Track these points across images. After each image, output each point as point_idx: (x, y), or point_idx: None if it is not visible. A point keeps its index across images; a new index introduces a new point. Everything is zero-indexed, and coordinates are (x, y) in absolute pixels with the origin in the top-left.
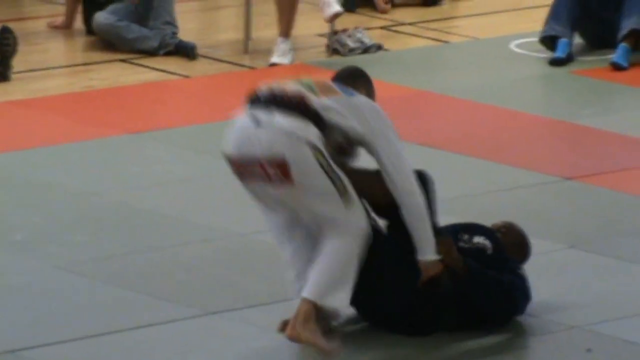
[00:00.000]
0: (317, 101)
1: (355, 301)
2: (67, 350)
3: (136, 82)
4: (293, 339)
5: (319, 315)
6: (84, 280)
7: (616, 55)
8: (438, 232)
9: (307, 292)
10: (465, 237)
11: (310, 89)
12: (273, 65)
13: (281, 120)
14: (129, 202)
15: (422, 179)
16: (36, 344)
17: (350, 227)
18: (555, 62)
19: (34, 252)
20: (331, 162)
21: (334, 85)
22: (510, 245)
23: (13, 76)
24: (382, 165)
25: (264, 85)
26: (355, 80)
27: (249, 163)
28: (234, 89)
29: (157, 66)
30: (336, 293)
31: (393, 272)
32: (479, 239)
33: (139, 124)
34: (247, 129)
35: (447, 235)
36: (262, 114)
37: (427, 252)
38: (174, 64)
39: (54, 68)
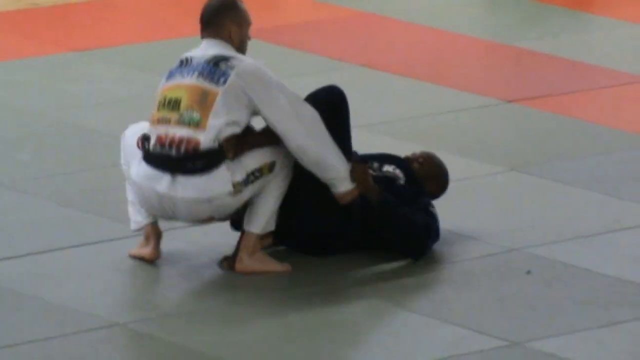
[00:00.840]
0: (207, 136)
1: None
2: (6, 266)
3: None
4: (243, 271)
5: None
6: (26, 197)
7: None
8: (351, 157)
9: (255, 227)
10: (375, 165)
11: (194, 121)
12: None
13: (188, 190)
14: (73, 120)
15: (335, 98)
16: None
17: (281, 174)
18: None
19: None
20: (246, 176)
21: (206, 84)
22: (427, 176)
23: None
24: (273, 129)
25: (156, 140)
26: (217, 19)
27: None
28: (178, 8)
29: None
30: (273, 220)
31: (305, 196)
32: (388, 168)
33: (84, 42)
34: (159, 198)
35: (362, 162)
36: (165, 180)
37: (340, 185)
38: None
39: None
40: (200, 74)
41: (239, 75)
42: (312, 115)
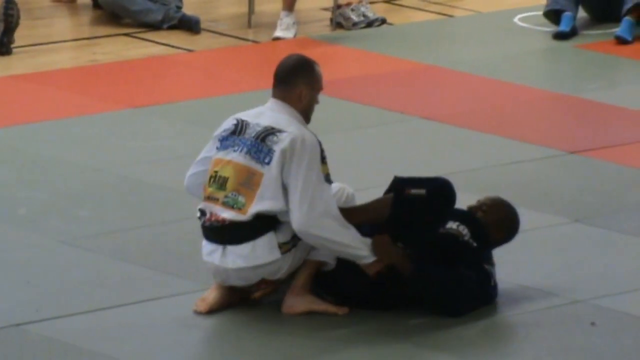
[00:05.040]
0: (247, 216)
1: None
2: (71, 324)
3: (140, 56)
4: (289, 313)
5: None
6: (88, 254)
7: (620, 29)
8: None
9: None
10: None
11: (238, 205)
12: (276, 39)
13: (237, 260)
14: (133, 176)
15: (448, 196)
16: (40, 317)
17: None
18: (559, 36)
19: (38, 226)
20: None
21: (252, 164)
22: (493, 222)
23: (16, 50)
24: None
25: (208, 217)
26: (290, 78)
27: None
28: (237, 63)
29: (160, 40)
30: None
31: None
32: (452, 225)
33: (143, 98)
34: (216, 266)
35: (382, 235)
36: (218, 252)
37: (360, 258)
38: (178, 38)
39: (57, 42)
40: (248, 151)
41: (282, 153)
42: (325, 207)
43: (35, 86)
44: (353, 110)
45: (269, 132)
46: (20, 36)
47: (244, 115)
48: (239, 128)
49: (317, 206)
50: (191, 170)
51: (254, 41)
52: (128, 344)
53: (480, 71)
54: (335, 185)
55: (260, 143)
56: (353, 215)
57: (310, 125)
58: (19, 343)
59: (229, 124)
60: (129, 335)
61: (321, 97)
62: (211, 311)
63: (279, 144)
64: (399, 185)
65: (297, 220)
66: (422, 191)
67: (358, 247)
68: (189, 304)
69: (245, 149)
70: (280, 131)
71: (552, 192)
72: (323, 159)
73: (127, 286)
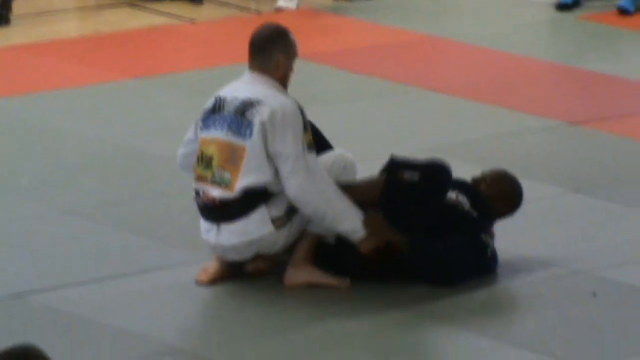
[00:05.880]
0: (236, 194)
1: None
2: (73, 294)
3: (143, 26)
4: (290, 285)
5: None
6: (91, 224)
7: (623, 0)
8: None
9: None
10: None
11: (225, 182)
12: (279, 9)
13: (232, 237)
14: (136, 147)
15: (443, 179)
16: (42, 287)
17: None
18: (561, 7)
19: (41, 197)
20: (288, 208)
21: (234, 139)
22: (496, 195)
23: (15, 21)
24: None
25: (200, 197)
26: (267, 48)
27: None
28: (240, 34)
29: (163, 10)
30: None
31: None
32: (451, 195)
33: (146, 69)
34: (213, 244)
35: (374, 212)
36: (213, 230)
37: (351, 234)
38: (181, 8)
39: (58, 12)
40: (229, 127)
41: (262, 125)
42: (319, 173)
43: (36, 56)
44: (354, 81)
45: (248, 105)
46: (20, 6)
47: (222, 92)
48: (217, 105)
49: (312, 173)
50: (181, 150)
51: (256, 11)
52: (130, 314)
53: (482, 42)
54: (334, 152)
55: (240, 117)
56: (343, 192)
57: (310, 97)
58: (21, 313)
59: (208, 103)
60: (131, 305)
61: (323, 68)
62: (212, 282)
63: (258, 116)
64: (393, 168)
65: (293, 187)
66: (415, 176)
67: (352, 218)
68: (191, 275)
69: (225, 125)
70: (258, 103)
71: (553, 163)
72: (305, 126)
73: (129, 256)
